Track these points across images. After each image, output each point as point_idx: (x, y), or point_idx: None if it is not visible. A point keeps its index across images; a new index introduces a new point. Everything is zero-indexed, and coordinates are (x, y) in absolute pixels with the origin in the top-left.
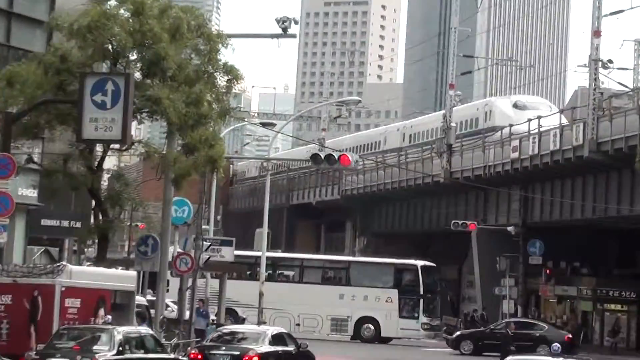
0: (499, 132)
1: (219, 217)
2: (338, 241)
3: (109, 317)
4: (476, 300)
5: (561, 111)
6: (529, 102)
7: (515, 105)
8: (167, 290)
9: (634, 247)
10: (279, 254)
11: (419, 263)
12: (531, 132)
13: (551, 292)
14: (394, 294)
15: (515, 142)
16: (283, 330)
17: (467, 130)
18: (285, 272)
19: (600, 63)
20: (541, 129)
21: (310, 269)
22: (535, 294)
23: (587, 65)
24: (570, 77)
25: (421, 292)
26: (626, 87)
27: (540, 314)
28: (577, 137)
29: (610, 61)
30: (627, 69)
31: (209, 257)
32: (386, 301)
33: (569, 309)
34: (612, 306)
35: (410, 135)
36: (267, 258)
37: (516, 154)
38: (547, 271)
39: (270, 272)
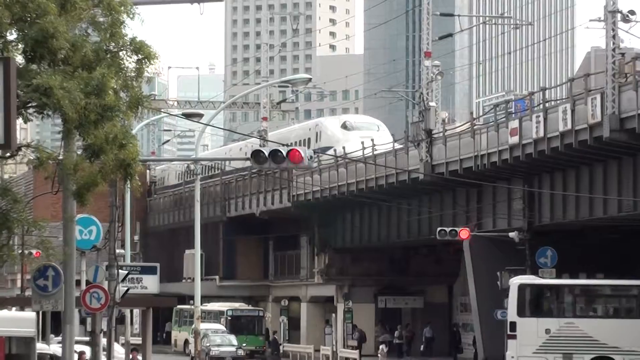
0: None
1: (136, 238)
2: (292, 262)
3: None
4: (473, 328)
5: (571, 80)
6: (358, 123)
7: (344, 126)
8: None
9: None
10: None
11: None
12: (534, 109)
13: None
14: None
15: (515, 124)
16: None
17: None
18: None
19: (619, 15)
20: (547, 105)
21: None
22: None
23: (602, 19)
24: (580, 36)
25: None
26: None
27: None
28: (593, 113)
29: (632, 12)
30: None
31: (127, 290)
32: None
33: None
34: None
35: None
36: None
37: (516, 138)
38: None
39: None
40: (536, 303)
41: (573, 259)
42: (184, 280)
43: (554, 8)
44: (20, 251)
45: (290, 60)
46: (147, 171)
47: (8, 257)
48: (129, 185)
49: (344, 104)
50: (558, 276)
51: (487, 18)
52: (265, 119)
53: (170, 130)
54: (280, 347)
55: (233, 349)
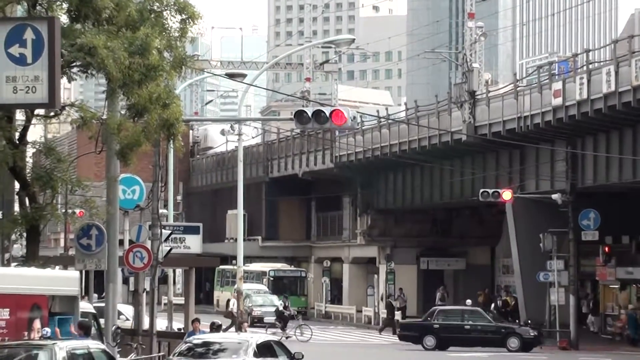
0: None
1: (179, 198)
2: (334, 222)
3: (48, 330)
4: (515, 290)
5: (615, 42)
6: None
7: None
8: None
9: None
10: None
11: None
12: (577, 71)
13: (612, 276)
14: None
15: (558, 85)
16: (272, 337)
17: None
18: None
19: None
20: (591, 67)
21: None
22: (591, 279)
23: None
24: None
25: None
26: None
27: (597, 303)
28: (637, 75)
29: None
30: None
31: (170, 249)
32: None
33: (636, 297)
34: None
35: None
36: None
37: (559, 100)
38: (606, 249)
39: None
40: None
41: (616, 222)
42: (226, 241)
43: None
44: (63, 210)
45: (333, 21)
46: (190, 131)
47: (52, 216)
48: (172, 145)
49: (387, 65)
50: (600, 238)
51: None
52: (308, 79)
53: (213, 91)
54: (293, 318)
55: (275, 306)
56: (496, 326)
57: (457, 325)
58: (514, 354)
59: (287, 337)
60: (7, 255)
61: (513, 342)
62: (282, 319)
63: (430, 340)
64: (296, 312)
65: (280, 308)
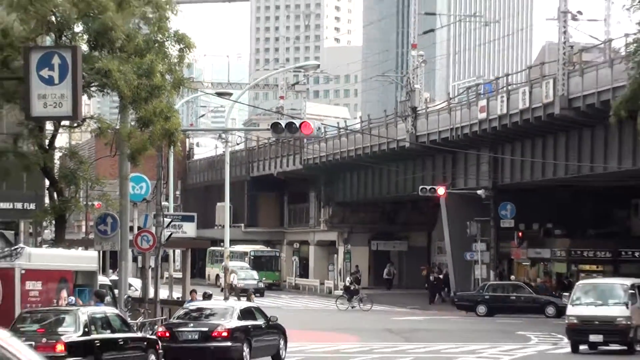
0: None
1: (177, 193)
2: (302, 213)
3: (72, 298)
4: (447, 267)
5: (529, 68)
6: None
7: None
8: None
9: (609, 206)
10: None
11: None
12: (499, 90)
13: (524, 255)
14: None
15: (483, 102)
16: (252, 304)
17: None
18: None
19: (569, 15)
20: (509, 87)
21: None
22: (507, 258)
23: (556, 18)
24: (538, 32)
25: None
26: (597, 39)
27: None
28: (547, 94)
29: (579, 12)
30: (597, 20)
31: (170, 234)
32: None
33: (543, 272)
34: (587, 267)
35: None
36: None
37: (484, 115)
38: (519, 234)
39: None
40: None
41: (528, 212)
42: (215, 227)
43: (516, 8)
44: (84, 203)
45: (303, 51)
46: (187, 139)
47: (75, 207)
48: (172, 150)
49: (346, 86)
50: (515, 225)
51: (462, 16)
52: (282, 97)
53: (205, 107)
54: (358, 292)
55: (255, 282)
56: (536, 297)
57: (504, 296)
58: (546, 319)
59: (352, 307)
60: (39, 239)
61: (550, 310)
62: (349, 292)
63: (482, 309)
64: (360, 288)
65: (347, 284)
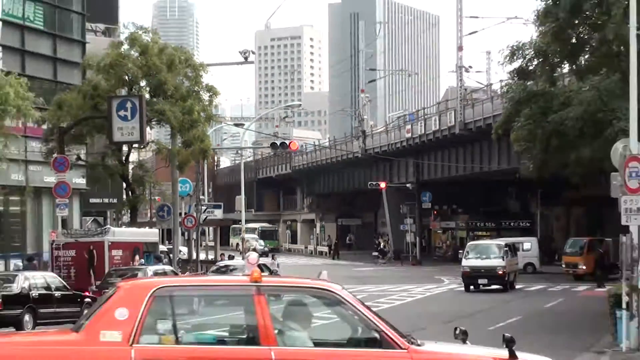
0: None
1: (210, 190)
2: (292, 202)
3: (143, 260)
4: (388, 235)
5: (438, 103)
6: None
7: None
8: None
9: (493, 192)
10: None
11: None
12: (419, 118)
13: (438, 226)
14: None
15: (409, 126)
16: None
17: None
18: None
19: (463, 69)
20: (425, 116)
21: None
22: (427, 228)
23: (455, 70)
24: (443, 79)
25: None
26: (482, 84)
27: (430, 241)
28: (450, 120)
29: (470, 67)
30: (481, 71)
31: (206, 217)
32: None
33: (450, 237)
34: (480, 233)
35: None
36: None
37: (409, 134)
38: (435, 212)
39: None
40: None
41: (440, 198)
42: (235, 212)
43: (428, 64)
44: (149, 197)
45: (289, 95)
46: (215, 155)
47: (143, 201)
48: (205, 162)
49: (319, 117)
50: (432, 207)
51: (393, 70)
52: (277, 126)
53: (226, 133)
54: (387, 253)
55: (262, 247)
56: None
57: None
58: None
59: (383, 263)
60: (120, 222)
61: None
62: (381, 253)
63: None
64: (389, 250)
65: (381, 247)
